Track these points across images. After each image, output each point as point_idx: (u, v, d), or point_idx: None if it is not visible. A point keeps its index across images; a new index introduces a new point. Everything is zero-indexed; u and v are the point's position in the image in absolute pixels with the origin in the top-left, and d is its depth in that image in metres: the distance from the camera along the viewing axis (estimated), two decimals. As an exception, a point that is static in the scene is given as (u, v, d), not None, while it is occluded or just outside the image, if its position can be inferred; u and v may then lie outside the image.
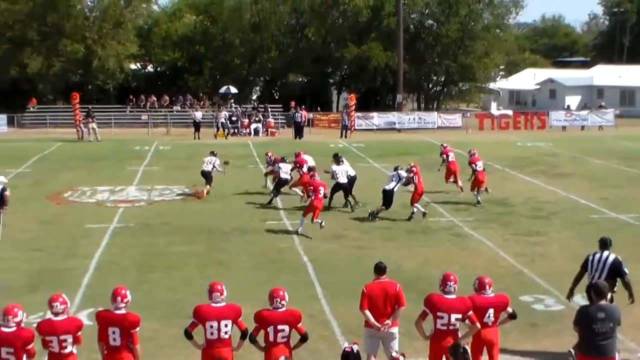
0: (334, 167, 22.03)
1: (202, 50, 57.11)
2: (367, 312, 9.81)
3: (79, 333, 8.69)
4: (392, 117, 48.80)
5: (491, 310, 9.54)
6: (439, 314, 9.29)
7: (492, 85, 65.55)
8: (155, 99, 52.04)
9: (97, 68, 51.89)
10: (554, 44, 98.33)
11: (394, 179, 20.69)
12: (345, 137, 43.31)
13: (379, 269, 10.02)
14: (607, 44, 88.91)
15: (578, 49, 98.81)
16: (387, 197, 20.53)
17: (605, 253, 11.58)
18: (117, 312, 8.83)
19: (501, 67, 67.56)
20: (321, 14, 57.72)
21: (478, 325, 9.36)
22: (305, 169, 22.69)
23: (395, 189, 20.57)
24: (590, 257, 11.67)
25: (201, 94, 55.50)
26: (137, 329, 8.87)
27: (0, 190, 18.32)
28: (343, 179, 21.77)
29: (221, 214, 21.38)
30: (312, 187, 19.80)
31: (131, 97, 52.77)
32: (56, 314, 8.63)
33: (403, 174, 20.80)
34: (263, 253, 17.19)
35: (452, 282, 9.44)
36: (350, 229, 19.58)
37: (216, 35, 57.19)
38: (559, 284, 14.64)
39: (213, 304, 9.02)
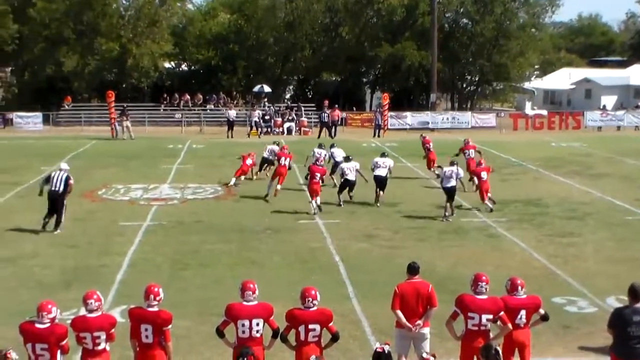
0: (342, 165, 22.98)
1: (236, 49, 57.27)
2: (399, 312, 9.80)
3: (112, 330, 8.78)
4: (426, 117, 48.66)
5: (523, 312, 9.48)
6: (470, 314, 9.26)
7: (526, 85, 65.02)
8: (188, 97, 52.35)
9: (131, 66, 52.30)
10: (590, 43, 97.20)
11: (453, 175, 20.76)
12: (378, 136, 43.26)
13: (412, 269, 10.00)
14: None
15: (615, 49, 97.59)
16: (450, 194, 20.66)
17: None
18: (150, 309, 8.91)
19: (536, 66, 66.97)
20: (355, 12, 57.62)
21: (510, 326, 9.31)
22: (283, 162, 23.93)
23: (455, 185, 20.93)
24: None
25: (235, 93, 55.72)
26: (170, 326, 8.95)
27: (65, 177, 19.27)
28: (351, 176, 22.45)
29: (254, 213, 21.46)
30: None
31: (165, 95, 53.14)
32: (90, 311, 8.73)
33: (461, 171, 21.29)
34: (295, 252, 17.24)
35: (484, 283, 9.41)
36: (382, 228, 19.57)
37: (250, 34, 57.31)
38: (592, 285, 14.55)
39: (245, 303, 9.06)
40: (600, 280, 14.96)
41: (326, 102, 46.70)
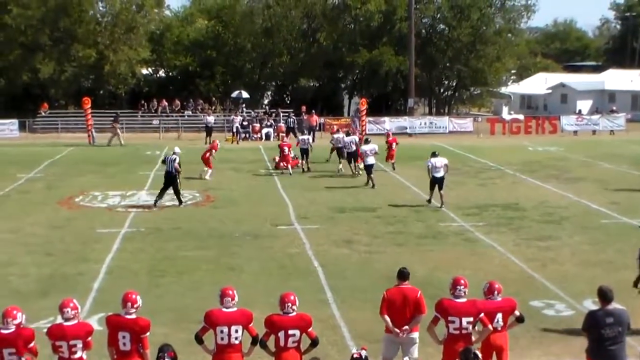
0: (363, 147, 27.46)
1: (213, 55, 57.19)
2: (387, 317, 9.83)
3: (89, 338, 8.71)
4: (404, 122, 48.69)
5: (499, 315, 9.53)
6: (450, 318, 9.30)
7: (503, 90, 65.37)
8: (166, 103, 52.16)
9: (108, 73, 52.03)
10: (565, 48, 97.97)
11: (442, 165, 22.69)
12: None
13: (402, 275, 10.02)
14: (619, 48, 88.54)
15: (590, 54, 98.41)
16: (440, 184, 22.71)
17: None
18: (128, 316, 8.85)
19: (512, 71, 67.40)
20: (333, 18, 57.77)
21: (490, 327, 9.35)
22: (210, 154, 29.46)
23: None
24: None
25: (213, 99, 55.59)
26: (147, 333, 8.89)
27: (173, 160, 23.18)
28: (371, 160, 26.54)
29: (232, 219, 21.41)
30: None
31: (143, 102, 52.90)
32: (67, 319, 8.66)
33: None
34: (274, 258, 17.20)
35: (462, 286, 9.45)
36: (361, 233, 19.57)
37: (228, 40, 57.25)
38: (569, 289, 14.64)
39: (224, 309, 9.03)
40: (577, 283, 15.06)
41: (304, 108, 46.67)
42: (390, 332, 9.83)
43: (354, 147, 28.23)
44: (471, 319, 9.29)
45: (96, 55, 51.40)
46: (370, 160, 26.76)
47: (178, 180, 23.41)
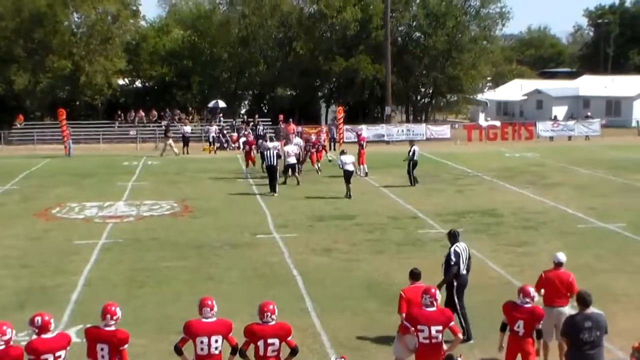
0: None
1: (190, 64, 57.13)
2: (404, 315, 9.95)
3: (67, 348, 8.59)
4: (381, 130, 48.82)
5: (521, 322, 9.80)
6: (419, 327, 9.34)
7: (479, 97, 65.78)
8: (143, 114, 52.00)
9: (84, 84, 51.82)
10: (540, 55, 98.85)
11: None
12: (334, 149, 43.26)
13: (415, 275, 10.69)
14: (592, 54, 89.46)
15: (564, 60, 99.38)
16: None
17: (463, 244, 12.35)
18: (107, 328, 8.77)
19: (488, 78, 67.87)
20: (309, 27, 57.88)
21: (460, 335, 9.41)
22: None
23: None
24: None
25: (190, 109, 55.47)
26: (126, 345, 8.82)
27: (276, 154, 27.44)
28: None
29: (211, 229, 21.34)
30: None
31: (119, 112, 52.73)
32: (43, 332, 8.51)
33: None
34: (253, 267, 17.16)
35: (430, 296, 9.49)
36: (340, 241, 19.57)
37: (204, 49, 57.21)
38: (548, 294, 14.68)
39: (203, 320, 8.99)
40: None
41: (281, 117, 46.69)
42: (408, 331, 9.78)
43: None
44: (440, 328, 9.32)
45: (71, 66, 51.20)
46: (349, 167, 26.70)
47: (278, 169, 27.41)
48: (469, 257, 12.44)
